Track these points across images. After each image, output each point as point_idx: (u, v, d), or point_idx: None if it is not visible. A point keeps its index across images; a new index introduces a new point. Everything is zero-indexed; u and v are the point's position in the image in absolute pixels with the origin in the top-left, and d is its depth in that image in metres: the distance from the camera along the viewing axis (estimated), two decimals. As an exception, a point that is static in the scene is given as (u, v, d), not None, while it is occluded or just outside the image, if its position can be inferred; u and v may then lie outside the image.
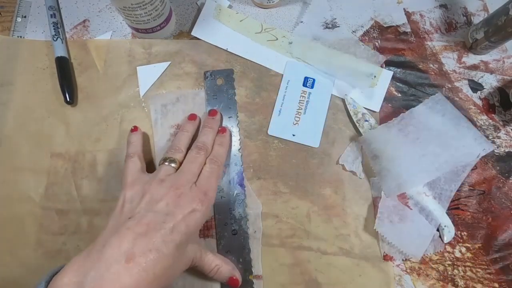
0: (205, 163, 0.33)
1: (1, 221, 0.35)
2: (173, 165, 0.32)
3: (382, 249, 0.35)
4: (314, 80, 0.39)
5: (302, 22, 0.41)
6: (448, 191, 0.36)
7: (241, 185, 0.36)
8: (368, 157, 0.37)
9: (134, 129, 0.36)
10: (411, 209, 0.36)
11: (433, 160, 0.34)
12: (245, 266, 0.34)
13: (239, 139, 0.37)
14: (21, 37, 0.40)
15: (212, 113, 0.37)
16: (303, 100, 0.39)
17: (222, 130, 0.36)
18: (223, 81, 0.39)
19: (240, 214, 0.35)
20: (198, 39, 0.40)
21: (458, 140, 0.35)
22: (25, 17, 0.41)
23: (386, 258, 0.35)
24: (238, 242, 0.34)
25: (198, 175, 0.32)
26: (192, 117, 0.37)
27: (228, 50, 0.40)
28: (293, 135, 0.38)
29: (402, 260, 0.35)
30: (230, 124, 0.38)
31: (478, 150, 0.35)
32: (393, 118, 0.36)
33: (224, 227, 0.35)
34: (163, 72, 0.39)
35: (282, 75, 0.40)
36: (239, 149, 0.37)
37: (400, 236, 0.34)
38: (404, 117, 0.36)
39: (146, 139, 0.37)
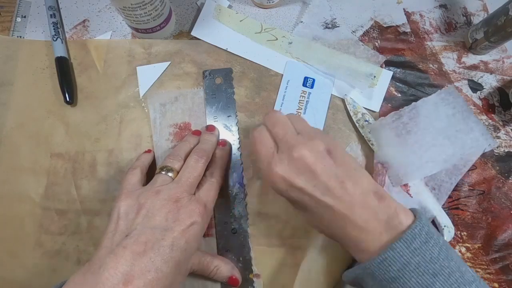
0: (205, 175, 0.32)
1: (1, 221, 0.35)
2: (170, 174, 0.30)
3: None
4: (314, 80, 0.39)
5: (302, 22, 0.41)
6: (448, 183, 0.36)
7: (241, 183, 0.36)
8: (376, 145, 0.37)
9: (148, 150, 0.36)
10: (411, 197, 0.36)
11: (441, 152, 0.35)
12: (245, 265, 0.34)
13: (238, 138, 0.37)
14: (21, 37, 0.40)
15: (210, 128, 0.36)
16: (303, 100, 0.39)
17: (222, 143, 0.36)
18: (222, 80, 0.39)
19: (239, 213, 0.35)
20: (198, 39, 0.40)
21: (466, 134, 0.35)
22: (25, 17, 0.41)
23: None
24: (237, 241, 0.34)
25: (195, 186, 0.31)
26: (196, 132, 0.36)
27: (228, 50, 0.40)
28: None
29: None
30: (229, 123, 0.38)
31: (484, 145, 0.35)
32: (404, 107, 0.36)
33: (224, 226, 0.35)
34: (163, 72, 0.39)
35: (282, 75, 0.40)
36: (238, 148, 0.37)
37: None
38: (416, 105, 0.36)
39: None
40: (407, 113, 0.36)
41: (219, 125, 0.37)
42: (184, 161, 0.32)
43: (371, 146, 0.37)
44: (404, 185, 0.36)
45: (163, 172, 0.30)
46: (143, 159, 0.34)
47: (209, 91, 0.38)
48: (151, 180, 0.30)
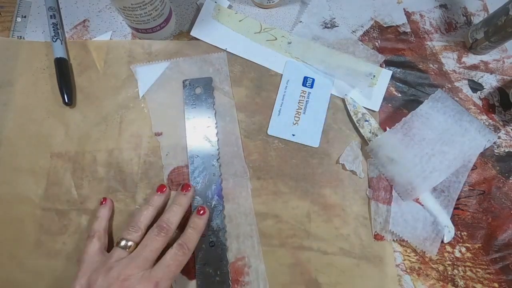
0: (173, 246, 0.30)
1: (0, 223, 0.35)
2: (129, 244, 0.30)
3: (374, 229, 0.35)
4: (313, 80, 0.39)
5: (301, 22, 0.41)
6: (457, 182, 0.36)
7: (219, 195, 0.35)
8: (378, 165, 0.37)
9: (103, 200, 0.35)
10: (422, 205, 0.36)
11: (443, 159, 0.35)
12: (223, 279, 0.33)
13: (218, 149, 0.36)
14: (21, 37, 0.40)
15: (184, 187, 0.34)
16: (303, 100, 0.39)
17: (201, 210, 0.33)
18: (202, 90, 0.38)
19: (218, 226, 0.34)
20: (198, 39, 0.40)
21: (462, 136, 0.35)
22: (25, 17, 0.41)
23: (378, 237, 0.35)
24: (215, 254, 0.33)
25: (154, 259, 0.30)
26: (160, 188, 0.34)
27: (227, 50, 0.40)
28: (293, 135, 0.38)
29: (393, 240, 0.35)
30: (209, 133, 0.37)
31: (483, 142, 0.35)
32: (396, 124, 0.36)
33: (202, 239, 0.33)
34: (162, 73, 0.39)
35: (282, 75, 0.40)
36: (217, 160, 0.36)
37: (414, 234, 0.35)
38: (407, 120, 0.36)
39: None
40: (400, 130, 0.36)
41: (198, 136, 0.37)
42: (145, 229, 0.31)
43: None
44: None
45: (122, 244, 0.30)
46: (100, 219, 0.33)
47: (188, 101, 0.38)
48: (109, 253, 0.30)
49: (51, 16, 0.39)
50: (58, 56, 0.38)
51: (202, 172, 0.36)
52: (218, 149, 0.37)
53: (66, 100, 0.37)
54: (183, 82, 0.38)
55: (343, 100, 0.39)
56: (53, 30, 0.39)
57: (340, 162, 0.37)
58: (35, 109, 0.38)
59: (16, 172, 0.36)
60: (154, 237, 0.30)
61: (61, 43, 0.39)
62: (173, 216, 0.32)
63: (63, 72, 0.38)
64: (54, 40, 0.38)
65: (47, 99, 0.38)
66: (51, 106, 0.38)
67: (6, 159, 0.36)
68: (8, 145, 0.37)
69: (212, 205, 0.35)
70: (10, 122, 0.37)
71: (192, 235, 0.32)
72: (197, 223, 0.32)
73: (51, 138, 0.37)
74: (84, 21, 0.41)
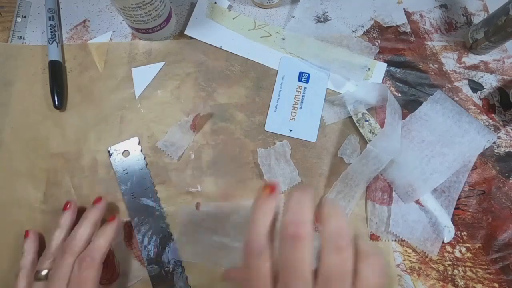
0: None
1: (0, 227, 0.35)
2: (43, 274, 0.28)
3: (370, 229, 0.35)
4: (309, 74, 0.40)
5: (293, 17, 0.41)
6: (457, 183, 0.36)
7: (175, 257, 0.33)
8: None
9: (26, 234, 0.33)
10: (422, 206, 0.36)
11: (443, 160, 0.35)
12: None
13: (163, 209, 0.34)
14: (21, 37, 0.40)
15: (96, 200, 0.32)
16: (299, 95, 0.39)
17: (110, 219, 0.31)
18: (129, 152, 0.36)
19: None
20: (193, 38, 0.40)
21: (461, 137, 0.35)
22: (25, 17, 0.41)
23: (373, 237, 0.35)
24: None
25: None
26: (65, 206, 0.32)
27: (222, 48, 0.40)
28: (290, 130, 0.38)
29: (392, 240, 0.35)
30: (147, 194, 0.35)
31: (483, 142, 0.35)
32: None
33: None
34: (158, 73, 0.39)
35: (277, 71, 0.40)
36: (164, 220, 0.34)
37: (415, 235, 0.35)
38: (406, 123, 0.36)
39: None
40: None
41: (137, 202, 0.34)
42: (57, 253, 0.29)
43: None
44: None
45: (38, 276, 0.28)
46: (27, 253, 0.31)
47: (119, 168, 0.35)
48: None
49: (49, 17, 0.39)
50: (53, 59, 0.38)
51: (151, 238, 0.34)
52: (163, 208, 0.34)
53: (57, 104, 0.37)
54: (108, 152, 0.36)
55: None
56: (50, 32, 0.39)
57: (339, 155, 0.37)
58: (34, 110, 0.38)
59: (15, 176, 0.36)
60: (60, 263, 0.28)
61: (57, 46, 0.38)
62: (80, 233, 0.29)
63: (56, 76, 0.37)
64: (50, 42, 0.38)
65: (46, 100, 0.38)
66: (51, 107, 0.38)
67: (5, 163, 0.36)
68: (6, 148, 0.36)
69: (170, 269, 0.33)
70: (9, 124, 0.37)
71: (96, 243, 0.29)
72: (104, 231, 0.30)
73: (51, 139, 0.37)
74: (84, 21, 0.41)
